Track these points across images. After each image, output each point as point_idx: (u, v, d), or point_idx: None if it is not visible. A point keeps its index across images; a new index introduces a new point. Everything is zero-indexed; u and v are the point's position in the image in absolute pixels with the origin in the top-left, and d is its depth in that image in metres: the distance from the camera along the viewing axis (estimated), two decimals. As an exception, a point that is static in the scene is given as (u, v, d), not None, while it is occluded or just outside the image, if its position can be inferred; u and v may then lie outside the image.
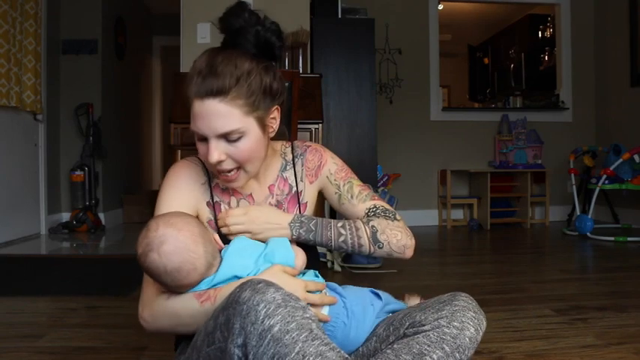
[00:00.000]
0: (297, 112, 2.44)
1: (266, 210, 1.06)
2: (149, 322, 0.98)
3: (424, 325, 0.92)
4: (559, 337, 1.65)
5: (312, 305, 0.96)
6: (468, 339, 0.90)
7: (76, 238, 3.98)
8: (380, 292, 1.08)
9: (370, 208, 1.11)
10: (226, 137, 0.98)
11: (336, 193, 1.14)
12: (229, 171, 1.01)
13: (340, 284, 1.08)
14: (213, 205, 1.09)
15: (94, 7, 4.57)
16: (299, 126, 2.62)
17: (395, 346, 0.93)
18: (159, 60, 6.62)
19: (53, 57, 4.32)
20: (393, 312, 1.06)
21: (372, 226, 1.06)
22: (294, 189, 1.14)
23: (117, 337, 1.69)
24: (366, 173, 3.68)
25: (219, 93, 0.95)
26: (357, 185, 1.14)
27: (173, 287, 0.96)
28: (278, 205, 1.13)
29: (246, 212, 1.04)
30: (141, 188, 5.85)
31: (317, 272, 1.06)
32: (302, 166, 1.15)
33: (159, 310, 0.97)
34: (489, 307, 1.97)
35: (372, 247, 1.05)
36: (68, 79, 4.51)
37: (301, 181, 1.15)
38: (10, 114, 3.66)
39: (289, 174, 1.15)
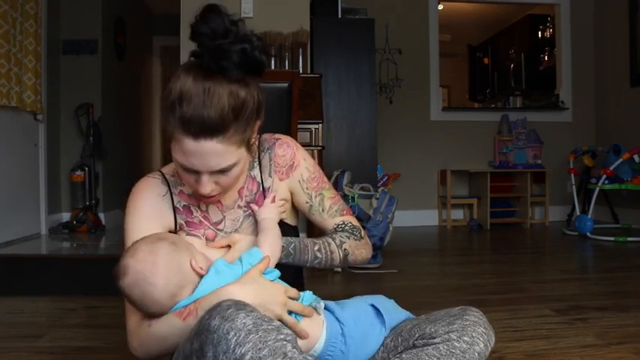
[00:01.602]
0: (297, 112, 2.44)
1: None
2: (139, 351, 0.97)
3: (434, 338, 0.92)
4: (559, 337, 1.65)
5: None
6: (477, 354, 0.91)
7: (76, 238, 3.98)
8: (380, 305, 1.05)
9: (339, 224, 1.14)
10: (221, 171, 0.95)
11: (307, 202, 1.13)
12: (215, 197, 1.01)
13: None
14: (182, 210, 1.08)
15: (94, 7, 4.57)
16: (299, 126, 2.62)
17: (404, 356, 0.93)
18: (159, 60, 6.62)
19: (53, 57, 4.32)
20: (396, 325, 1.04)
21: (345, 250, 1.11)
22: (262, 186, 1.11)
23: (117, 337, 1.68)
24: (366, 173, 3.69)
25: (216, 132, 0.89)
26: (328, 198, 1.14)
27: (147, 314, 0.96)
28: (247, 206, 1.10)
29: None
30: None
31: (309, 296, 1.04)
32: (270, 160, 1.11)
33: (145, 336, 0.96)
34: (489, 307, 1.97)
35: (341, 264, 1.13)
36: (68, 79, 4.51)
37: (269, 176, 1.11)
38: (10, 114, 3.65)
39: (256, 172, 1.11)
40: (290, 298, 0.96)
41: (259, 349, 0.77)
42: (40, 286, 2.40)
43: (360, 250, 1.14)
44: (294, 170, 1.11)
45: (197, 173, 0.95)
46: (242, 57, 0.90)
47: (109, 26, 4.82)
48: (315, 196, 1.12)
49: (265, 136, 1.14)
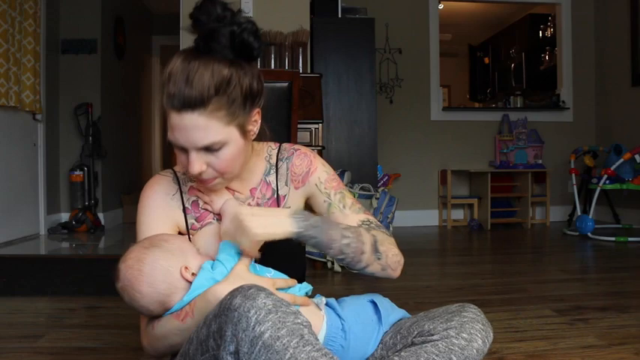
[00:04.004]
0: (297, 112, 2.44)
1: (260, 209, 0.99)
2: (148, 349, 1.02)
3: (433, 335, 0.92)
4: (560, 338, 1.64)
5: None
6: (475, 350, 0.91)
7: (76, 239, 3.97)
8: (379, 302, 1.06)
9: (364, 221, 1.06)
10: (207, 149, 0.95)
11: (325, 201, 1.09)
12: (210, 180, 1.00)
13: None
14: (191, 208, 1.09)
15: (93, 6, 4.56)
16: (299, 126, 2.62)
17: (402, 353, 0.93)
18: (159, 60, 6.61)
19: (52, 56, 4.31)
20: (394, 323, 1.05)
21: (373, 235, 1.01)
22: (276, 193, 1.11)
23: (116, 338, 1.68)
24: (366, 173, 3.68)
25: (197, 105, 0.91)
26: (349, 197, 1.10)
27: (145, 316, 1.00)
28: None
29: (237, 213, 0.96)
30: (140, 188, 5.83)
31: (305, 286, 1.04)
32: (287, 169, 1.11)
33: (151, 337, 1.00)
34: (490, 308, 1.97)
35: (372, 256, 0.99)
36: (67, 79, 4.50)
37: (285, 185, 1.11)
38: (9, 114, 3.65)
39: (272, 178, 1.12)
40: (281, 288, 0.97)
41: (278, 328, 0.78)
42: (40, 286, 2.39)
43: (390, 245, 1.03)
44: (310, 175, 1.11)
45: (186, 151, 0.96)
46: (231, 39, 0.93)
47: (109, 25, 4.81)
48: (335, 194, 1.09)
49: (285, 145, 1.15)
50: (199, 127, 0.92)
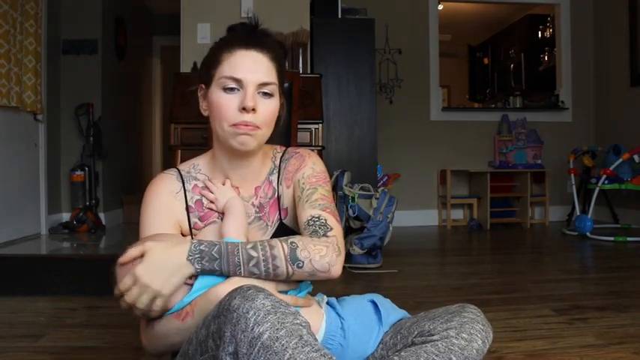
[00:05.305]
0: (297, 112, 2.44)
1: (158, 252, 0.93)
2: (149, 348, 1.03)
3: (433, 335, 0.93)
4: (559, 337, 1.65)
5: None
6: (475, 351, 0.91)
7: (77, 238, 3.98)
8: (379, 302, 1.06)
9: (314, 216, 1.01)
10: (263, 89, 1.03)
11: (298, 196, 1.07)
12: (251, 126, 1.02)
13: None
14: (194, 207, 1.10)
15: (94, 7, 4.57)
16: (299, 126, 2.62)
17: (402, 353, 0.93)
18: (159, 60, 6.62)
19: (53, 57, 4.32)
20: (394, 323, 1.06)
21: (292, 243, 0.94)
22: (276, 193, 1.13)
23: (117, 337, 1.69)
24: (366, 173, 3.68)
25: (264, 48, 1.04)
26: (320, 193, 1.06)
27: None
28: (260, 208, 1.12)
29: (134, 272, 0.92)
30: (141, 188, 5.84)
31: (305, 286, 1.05)
32: (284, 169, 1.14)
33: (151, 336, 1.01)
34: (489, 307, 1.97)
35: (289, 267, 0.93)
36: (68, 79, 4.51)
37: (280, 185, 1.13)
38: (10, 114, 3.66)
39: (274, 178, 1.14)
40: (283, 290, 0.97)
41: (277, 329, 0.78)
42: (40, 286, 2.40)
43: (317, 246, 0.94)
44: (297, 172, 1.12)
45: (242, 91, 1.01)
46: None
47: (109, 26, 4.82)
48: (308, 189, 1.07)
49: (290, 149, 1.18)
50: (264, 64, 1.04)
